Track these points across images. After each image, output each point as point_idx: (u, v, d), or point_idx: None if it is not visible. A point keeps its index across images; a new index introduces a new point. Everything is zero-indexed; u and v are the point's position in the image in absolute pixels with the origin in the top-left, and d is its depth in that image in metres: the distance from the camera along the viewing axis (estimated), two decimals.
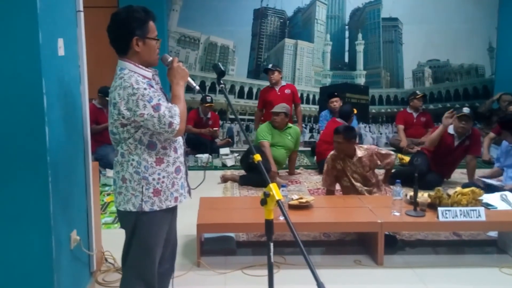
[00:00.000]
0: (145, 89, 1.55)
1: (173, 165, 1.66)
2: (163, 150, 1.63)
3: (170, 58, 1.70)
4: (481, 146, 4.13)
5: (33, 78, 1.67)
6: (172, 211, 1.74)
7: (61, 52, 1.87)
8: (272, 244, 1.40)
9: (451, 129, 3.89)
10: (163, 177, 1.63)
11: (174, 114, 1.57)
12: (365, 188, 3.13)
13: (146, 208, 1.62)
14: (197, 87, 1.73)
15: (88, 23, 2.22)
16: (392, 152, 3.23)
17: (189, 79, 1.71)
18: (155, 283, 1.69)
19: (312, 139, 6.07)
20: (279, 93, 4.91)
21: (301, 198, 2.81)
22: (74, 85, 2.08)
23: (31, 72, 1.67)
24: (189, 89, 1.74)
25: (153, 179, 1.62)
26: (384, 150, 3.23)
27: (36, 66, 1.66)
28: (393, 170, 3.46)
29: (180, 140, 1.71)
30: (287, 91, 4.95)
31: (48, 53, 1.74)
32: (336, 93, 5.23)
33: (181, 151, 1.71)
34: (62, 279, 1.84)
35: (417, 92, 5.58)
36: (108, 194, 3.90)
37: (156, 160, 1.62)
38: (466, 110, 3.84)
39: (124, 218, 1.67)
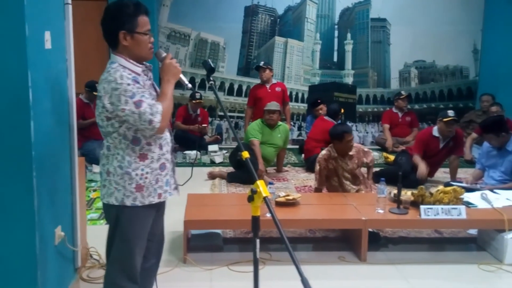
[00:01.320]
0: (128, 84, 1.54)
1: (158, 161, 1.65)
2: (147, 146, 1.62)
3: (164, 54, 1.68)
4: (463, 146, 4.23)
5: (19, 71, 1.65)
6: (157, 207, 1.73)
7: (48, 45, 1.85)
8: (258, 241, 1.42)
9: (436, 132, 3.98)
10: (147, 173, 1.63)
11: (155, 112, 1.55)
12: (353, 186, 3.19)
13: (128, 203, 1.61)
14: (189, 85, 1.71)
15: (76, 16, 2.19)
16: (370, 150, 3.36)
17: (181, 76, 1.69)
18: (137, 277, 1.69)
19: (300, 137, 6.11)
20: (269, 91, 4.93)
21: (288, 195, 2.84)
22: (61, 79, 2.06)
23: (17, 65, 1.64)
24: (179, 85, 1.73)
25: (136, 175, 1.61)
26: (365, 148, 3.34)
27: (22, 59, 1.64)
28: (377, 169, 3.52)
29: (167, 137, 1.69)
30: (277, 89, 4.98)
31: (35, 46, 1.71)
32: (319, 100, 5.29)
33: (167, 148, 1.69)
34: (46, 276, 1.82)
35: (402, 92, 5.67)
36: (94, 190, 3.86)
37: (140, 156, 1.61)
38: (452, 113, 3.88)
39: (107, 211, 1.68)
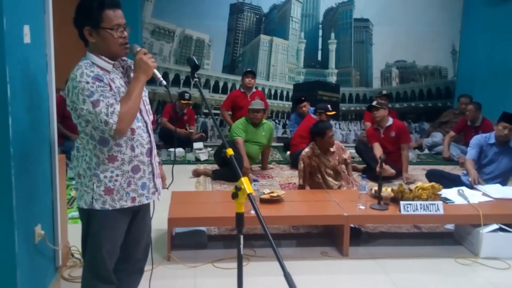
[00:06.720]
0: (87, 82, 1.46)
1: (130, 163, 1.56)
2: (116, 147, 1.54)
3: (138, 49, 1.61)
4: (409, 135, 4.58)
5: None
6: (134, 212, 1.65)
7: (27, 39, 1.81)
8: (242, 237, 1.42)
9: (376, 125, 4.43)
10: (117, 175, 1.55)
11: (112, 113, 1.46)
12: (335, 182, 3.26)
13: (97, 206, 1.55)
14: (163, 82, 1.62)
15: (56, 10, 2.14)
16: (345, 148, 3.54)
17: (155, 71, 1.58)
18: (111, 277, 1.66)
19: (284, 135, 6.17)
20: (250, 99, 5.01)
21: (272, 192, 2.87)
22: (41, 75, 2.01)
23: None
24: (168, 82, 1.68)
25: (105, 177, 1.54)
26: (342, 145, 3.46)
27: (0, 54, 1.59)
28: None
29: (141, 138, 1.59)
30: (256, 98, 5.04)
31: (13, 40, 1.67)
32: (303, 98, 5.36)
33: (141, 150, 1.59)
34: (26, 275, 1.79)
35: (383, 92, 5.79)
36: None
37: (109, 157, 1.54)
38: (374, 103, 4.43)
39: (80, 214, 1.65)
